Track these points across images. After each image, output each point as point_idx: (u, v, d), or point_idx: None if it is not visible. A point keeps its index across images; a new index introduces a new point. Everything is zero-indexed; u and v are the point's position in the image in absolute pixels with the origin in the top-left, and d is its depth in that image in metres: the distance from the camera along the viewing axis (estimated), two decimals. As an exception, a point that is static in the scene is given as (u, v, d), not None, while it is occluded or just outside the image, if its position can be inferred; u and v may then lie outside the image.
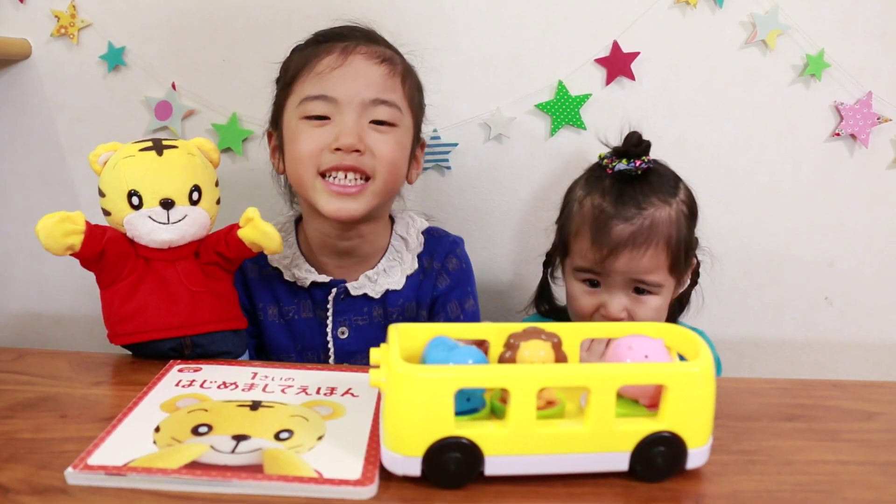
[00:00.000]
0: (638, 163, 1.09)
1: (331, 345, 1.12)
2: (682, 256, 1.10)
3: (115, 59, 1.39)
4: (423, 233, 1.17)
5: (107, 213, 0.95)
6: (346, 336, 1.12)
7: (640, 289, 1.09)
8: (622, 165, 1.09)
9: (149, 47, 1.39)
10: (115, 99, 1.42)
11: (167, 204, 0.92)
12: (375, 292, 1.11)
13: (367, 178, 1.03)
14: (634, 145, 1.10)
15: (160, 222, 0.92)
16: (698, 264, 1.20)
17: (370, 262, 1.13)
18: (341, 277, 1.12)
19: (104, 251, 0.91)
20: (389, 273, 1.13)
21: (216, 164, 1.00)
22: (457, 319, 1.14)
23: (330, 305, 1.11)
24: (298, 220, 1.18)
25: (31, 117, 1.45)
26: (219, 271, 0.98)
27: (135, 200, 0.91)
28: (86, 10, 1.38)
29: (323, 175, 1.03)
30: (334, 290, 1.11)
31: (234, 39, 1.37)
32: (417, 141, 1.15)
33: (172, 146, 0.95)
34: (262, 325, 1.14)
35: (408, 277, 1.13)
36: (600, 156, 1.14)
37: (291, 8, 1.32)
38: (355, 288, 1.11)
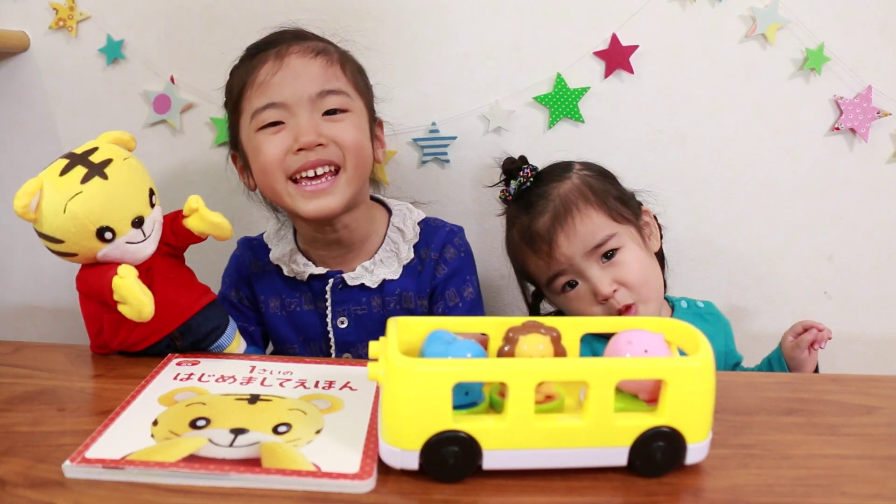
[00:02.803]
0: (524, 174, 1.16)
1: (331, 335, 1.14)
2: (618, 204, 1.13)
3: (113, 52, 1.39)
4: (419, 223, 1.17)
5: (69, 255, 0.88)
6: (345, 326, 1.14)
7: (605, 254, 1.11)
8: (513, 185, 1.16)
9: (147, 40, 1.39)
10: (114, 92, 1.41)
11: (139, 223, 0.88)
12: (372, 282, 1.12)
13: (338, 169, 1.04)
14: (511, 165, 1.18)
15: (139, 242, 0.89)
16: (655, 216, 1.21)
17: (366, 252, 1.14)
18: (338, 269, 1.13)
19: None
20: (386, 263, 1.14)
21: (133, 149, 0.95)
22: (455, 307, 1.15)
23: (328, 296, 1.13)
24: None
25: (29, 110, 1.44)
26: (171, 259, 0.96)
27: (108, 235, 0.86)
28: (84, 3, 1.37)
29: (294, 179, 1.04)
30: (331, 281, 1.12)
31: (232, 32, 1.36)
32: (374, 121, 1.15)
33: (106, 160, 0.87)
34: (265, 316, 1.17)
35: (405, 267, 1.14)
36: (500, 197, 1.21)
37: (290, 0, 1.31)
38: (352, 278, 1.12)
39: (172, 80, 1.39)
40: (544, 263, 1.12)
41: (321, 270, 1.12)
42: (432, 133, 1.39)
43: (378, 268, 1.13)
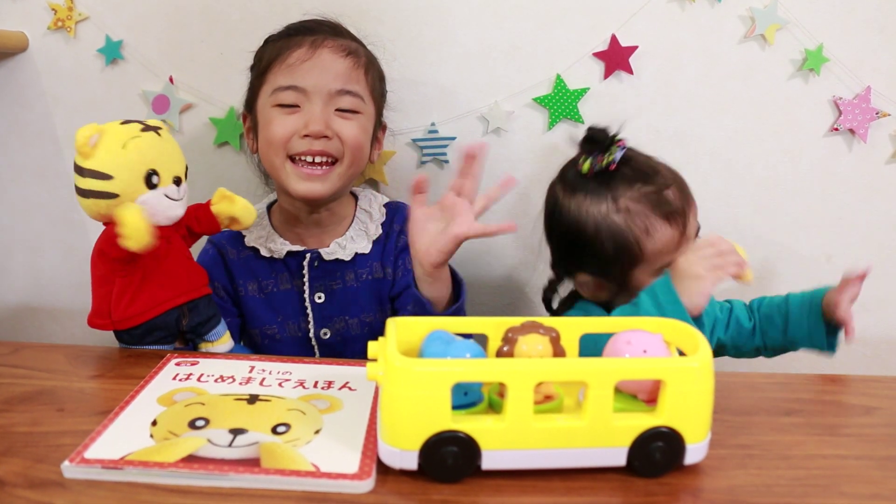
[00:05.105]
0: (620, 145, 1.05)
1: (309, 309, 1.20)
2: None
3: (112, 52, 1.38)
4: (384, 205, 1.26)
5: (109, 195, 0.89)
6: (322, 300, 1.20)
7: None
8: (618, 153, 1.04)
9: (146, 41, 1.39)
10: (113, 92, 1.41)
11: (178, 181, 0.95)
12: (346, 256, 1.19)
13: (335, 161, 1.13)
14: (604, 136, 1.07)
15: (174, 199, 0.95)
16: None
17: (338, 231, 1.22)
18: (313, 247, 1.20)
19: None
20: (357, 240, 1.21)
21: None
22: (409, 271, 1.13)
23: (306, 271, 1.19)
24: (270, 206, 1.26)
25: (28, 110, 1.44)
26: (185, 245, 1.02)
27: (154, 180, 0.92)
28: (83, 3, 1.37)
29: (292, 159, 1.12)
30: (308, 256, 1.19)
31: (231, 32, 1.36)
32: (379, 125, 1.24)
33: (158, 126, 0.96)
34: (242, 301, 1.21)
35: (374, 242, 1.22)
36: (585, 168, 1.07)
37: (289, 0, 1.31)
38: (328, 253, 1.19)
39: (171, 80, 1.39)
40: (678, 238, 1.04)
41: (298, 247, 1.19)
42: (431, 133, 1.39)
43: (350, 244, 1.20)
